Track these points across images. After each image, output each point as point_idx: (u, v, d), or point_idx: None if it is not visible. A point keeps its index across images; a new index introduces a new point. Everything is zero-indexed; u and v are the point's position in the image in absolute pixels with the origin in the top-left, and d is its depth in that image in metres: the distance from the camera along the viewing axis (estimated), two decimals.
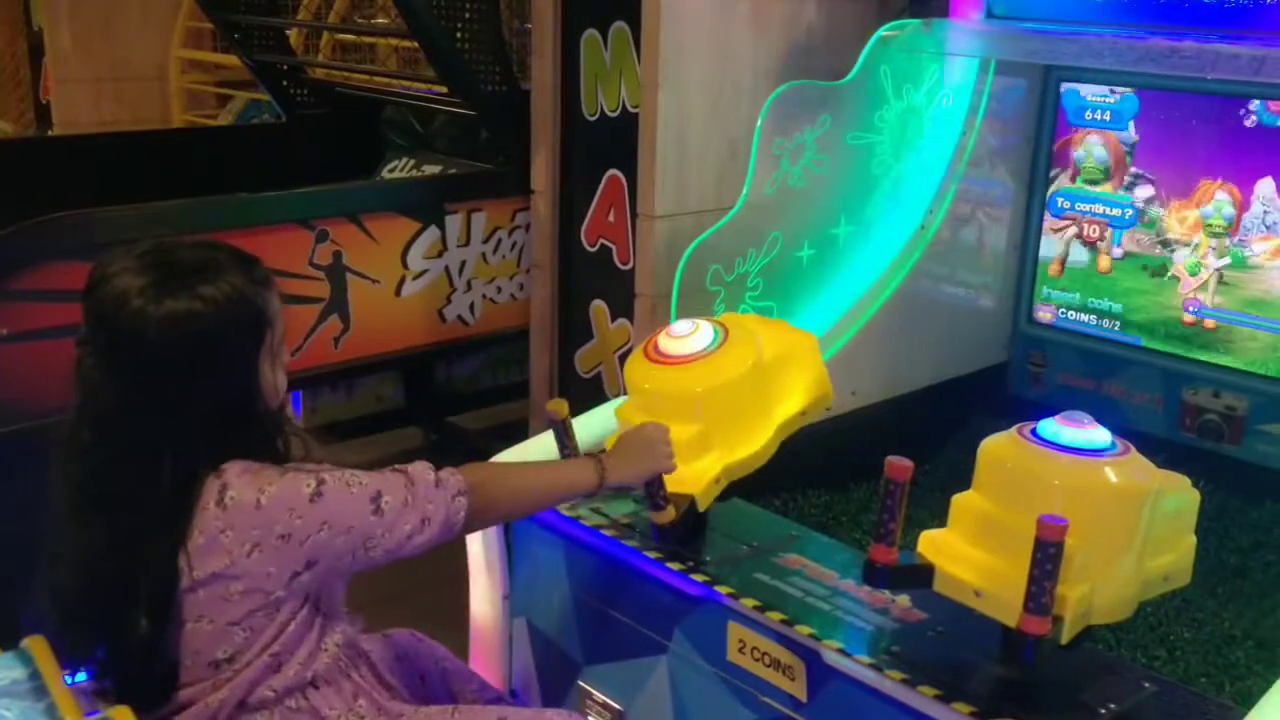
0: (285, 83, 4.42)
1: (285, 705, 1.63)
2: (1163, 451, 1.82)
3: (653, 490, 1.99)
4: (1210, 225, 2.78)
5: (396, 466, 1.66)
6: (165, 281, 1.50)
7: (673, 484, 2.01)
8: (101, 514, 1.53)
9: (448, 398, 4.29)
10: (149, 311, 1.48)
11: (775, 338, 2.22)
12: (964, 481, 1.82)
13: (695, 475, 2.05)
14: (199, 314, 1.51)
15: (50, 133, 6.24)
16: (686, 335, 2.13)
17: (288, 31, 4.60)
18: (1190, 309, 2.85)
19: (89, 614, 1.59)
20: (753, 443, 2.13)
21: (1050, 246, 3.09)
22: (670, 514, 2.01)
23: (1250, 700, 1.67)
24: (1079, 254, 3.03)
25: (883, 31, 2.72)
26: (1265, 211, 2.68)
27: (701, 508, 2.07)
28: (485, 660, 2.35)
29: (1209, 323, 2.83)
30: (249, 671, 1.59)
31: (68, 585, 1.58)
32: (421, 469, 1.66)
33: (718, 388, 2.07)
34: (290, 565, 1.55)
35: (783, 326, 2.32)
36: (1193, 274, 2.83)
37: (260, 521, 1.52)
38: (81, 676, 1.68)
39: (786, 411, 2.17)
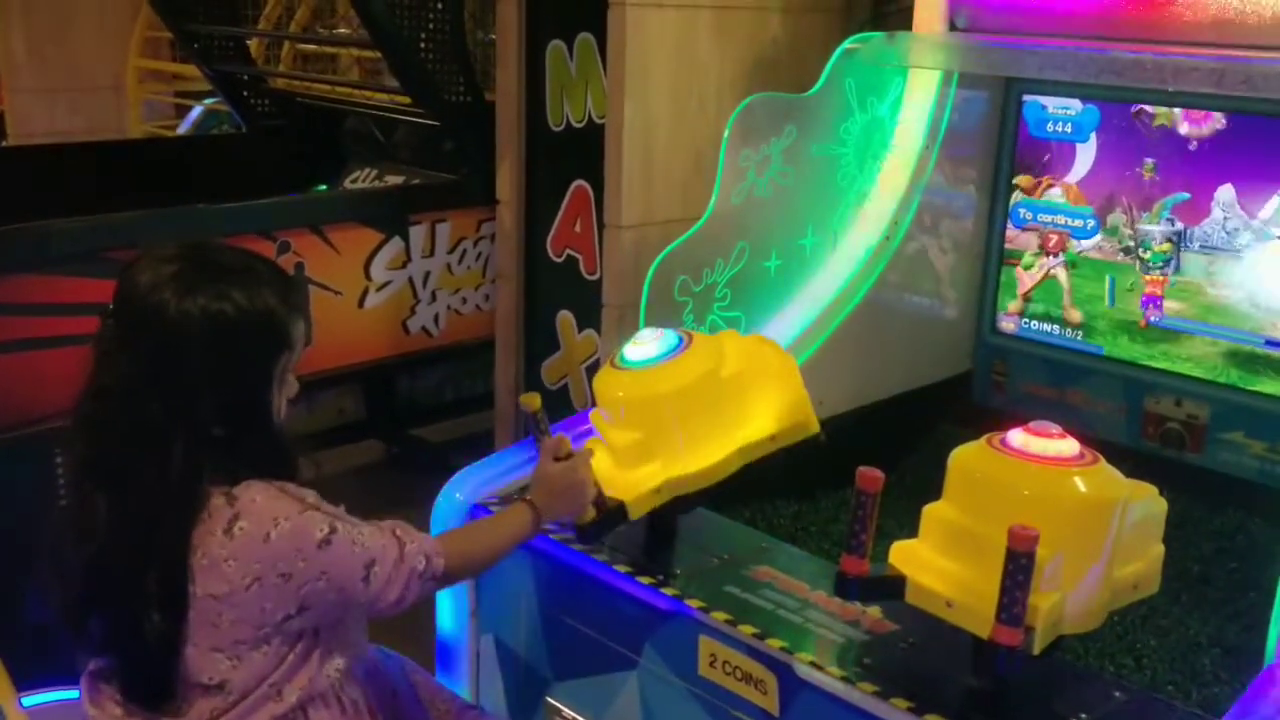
0: (246, 93, 4.38)
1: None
2: (1126, 460, 1.83)
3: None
4: (1166, 237, 2.81)
5: (397, 531, 1.68)
6: (200, 277, 1.53)
7: (609, 486, 1.98)
8: (109, 495, 1.54)
9: (410, 410, 4.25)
10: (174, 301, 1.51)
11: (743, 354, 2.16)
12: (930, 491, 1.82)
13: (632, 482, 2.02)
14: (224, 314, 1.52)
15: (3, 144, 6.14)
16: (647, 342, 2.10)
17: (248, 41, 4.56)
18: (1151, 318, 2.88)
19: (97, 600, 1.58)
20: (703, 458, 2.08)
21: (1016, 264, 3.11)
22: (590, 514, 1.98)
23: (1218, 707, 1.69)
24: (1041, 263, 3.06)
25: (847, 44, 2.73)
26: (1225, 218, 2.71)
27: (633, 516, 2.02)
28: (452, 678, 2.33)
29: (1169, 331, 2.85)
30: (248, 701, 1.58)
31: (74, 570, 1.58)
32: (414, 553, 1.67)
33: (663, 395, 2.03)
34: (285, 607, 1.56)
35: (760, 344, 2.24)
36: (1155, 258, 2.85)
37: (265, 556, 1.53)
38: (48, 697, 1.67)
39: (751, 434, 2.11)
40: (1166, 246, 2.82)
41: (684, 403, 2.05)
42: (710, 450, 2.09)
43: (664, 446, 2.05)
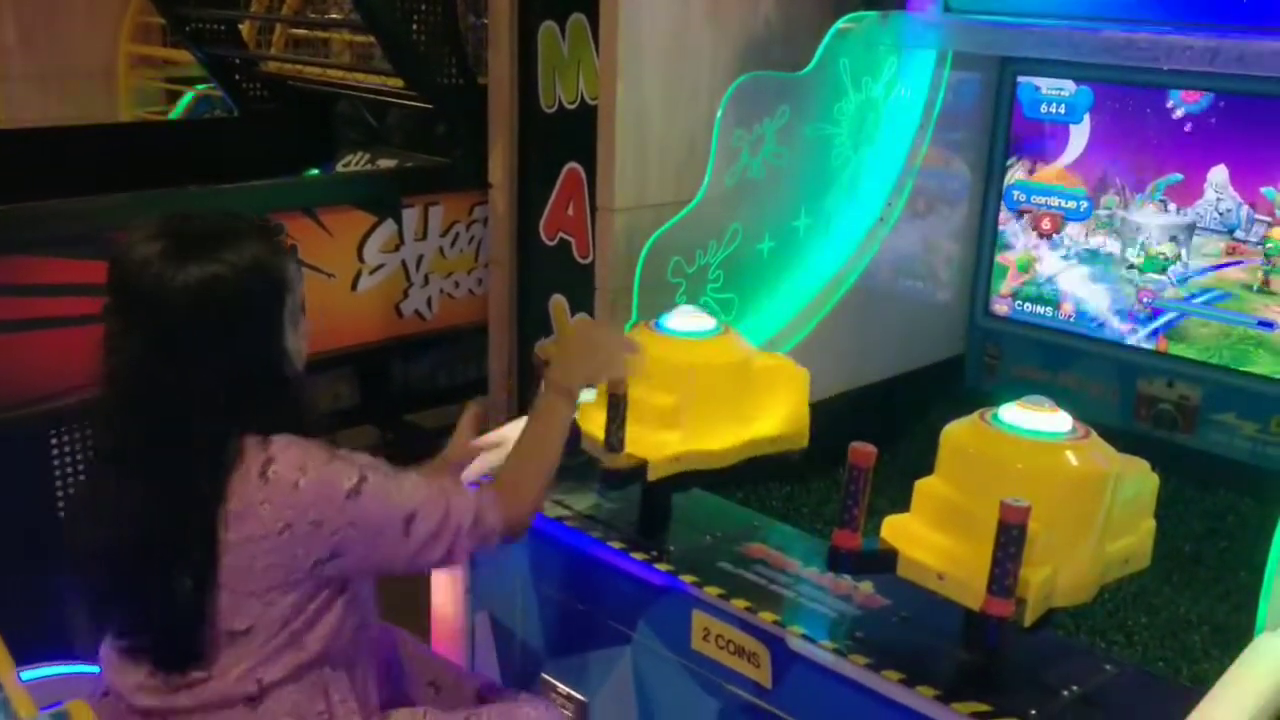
0: (238, 77, 4.36)
1: (303, 681, 1.63)
2: (1118, 441, 1.84)
3: (612, 428, 1.96)
4: (1168, 235, 2.82)
5: (446, 487, 1.69)
6: (187, 247, 1.53)
7: (634, 446, 2.00)
8: (138, 477, 1.54)
9: (404, 395, 4.25)
10: (171, 275, 1.51)
11: (771, 356, 2.25)
12: (922, 473, 1.83)
13: (656, 443, 2.04)
14: (221, 276, 1.53)
15: None
16: (688, 316, 2.17)
17: (240, 24, 4.54)
18: (1143, 299, 2.89)
19: (126, 576, 1.58)
20: (719, 440, 2.12)
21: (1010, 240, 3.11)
22: (622, 460, 1.99)
23: (1208, 683, 1.70)
24: (1034, 245, 3.06)
25: (841, 24, 2.73)
26: (1218, 198, 2.72)
27: (650, 476, 2.04)
28: (447, 655, 2.33)
29: (1162, 312, 2.86)
30: (268, 648, 1.59)
31: (101, 550, 1.58)
32: (461, 506, 1.67)
33: (702, 366, 2.09)
34: (316, 552, 1.57)
35: (781, 357, 2.31)
36: (1147, 265, 2.86)
37: (295, 503, 1.54)
38: (46, 671, 1.67)
39: (762, 430, 2.17)
40: (1168, 249, 2.81)
41: (717, 379, 2.10)
42: (724, 435, 2.13)
43: (689, 417, 2.08)
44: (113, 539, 1.57)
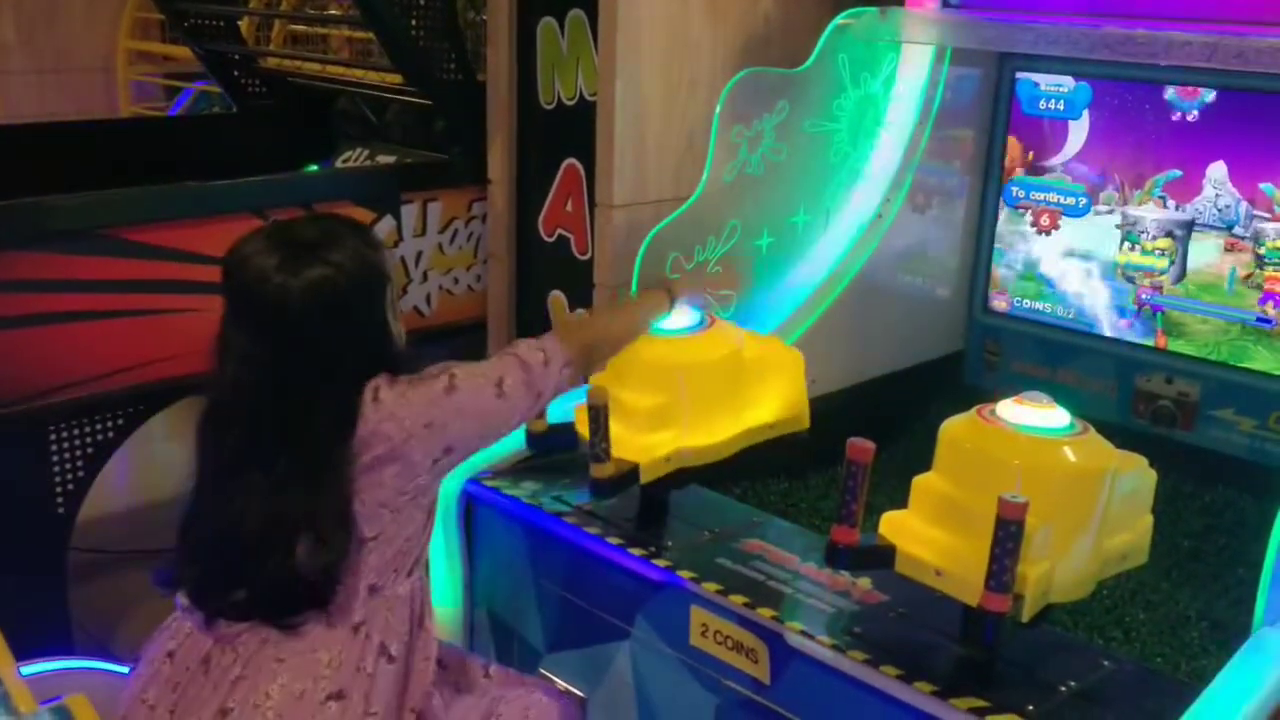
0: (236, 73, 4.35)
1: (410, 580, 1.83)
2: (1117, 438, 1.84)
3: (595, 439, 1.99)
4: (1165, 230, 2.81)
5: (508, 350, 1.87)
6: (298, 255, 1.70)
7: (624, 449, 2.01)
8: (272, 469, 1.69)
9: None
10: (291, 284, 1.68)
11: (761, 344, 2.24)
12: (922, 469, 1.83)
13: (646, 446, 2.05)
14: (332, 279, 1.70)
15: None
16: (675, 311, 2.16)
17: (239, 20, 4.53)
18: (1142, 295, 2.89)
19: (267, 546, 1.69)
20: (712, 435, 2.12)
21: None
22: (609, 469, 2.00)
23: (1206, 678, 1.70)
24: (1033, 241, 3.06)
25: (839, 20, 2.73)
26: (1217, 195, 2.72)
27: (643, 480, 2.05)
28: None
29: (1161, 309, 2.86)
30: (388, 559, 1.78)
31: (237, 532, 1.70)
32: (530, 350, 1.86)
33: (688, 365, 2.08)
34: (432, 451, 1.75)
35: (772, 339, 2.33)
36: (1145, 261, 2.86)
37: (410, 413, 1.72)
38: (46, 666, 1.71)
39: (756, 418, 2.18)
40: (1165, 244, 2.81)
41: (705, 377, 2.11)
42: (717, 429, 2.13)
43: (678, 416, 2.09)
44: (254, 525, 1.69)
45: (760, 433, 2.17)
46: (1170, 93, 2.75)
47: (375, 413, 1.71)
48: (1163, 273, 2.84)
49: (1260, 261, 2.68)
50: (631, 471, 2.03)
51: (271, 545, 1.69)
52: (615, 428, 2.01)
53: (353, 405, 1.71)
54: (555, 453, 2.25)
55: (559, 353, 1.87)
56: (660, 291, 2.14)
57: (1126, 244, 2.88)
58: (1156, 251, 2.83)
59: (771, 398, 2.19)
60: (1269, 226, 2.66)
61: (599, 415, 1.98)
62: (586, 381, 2.00)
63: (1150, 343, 2.89)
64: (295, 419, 1.70)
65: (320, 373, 1.70)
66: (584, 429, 2.09)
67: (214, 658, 1.74)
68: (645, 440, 2.04)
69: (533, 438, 2.20)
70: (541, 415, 2.18)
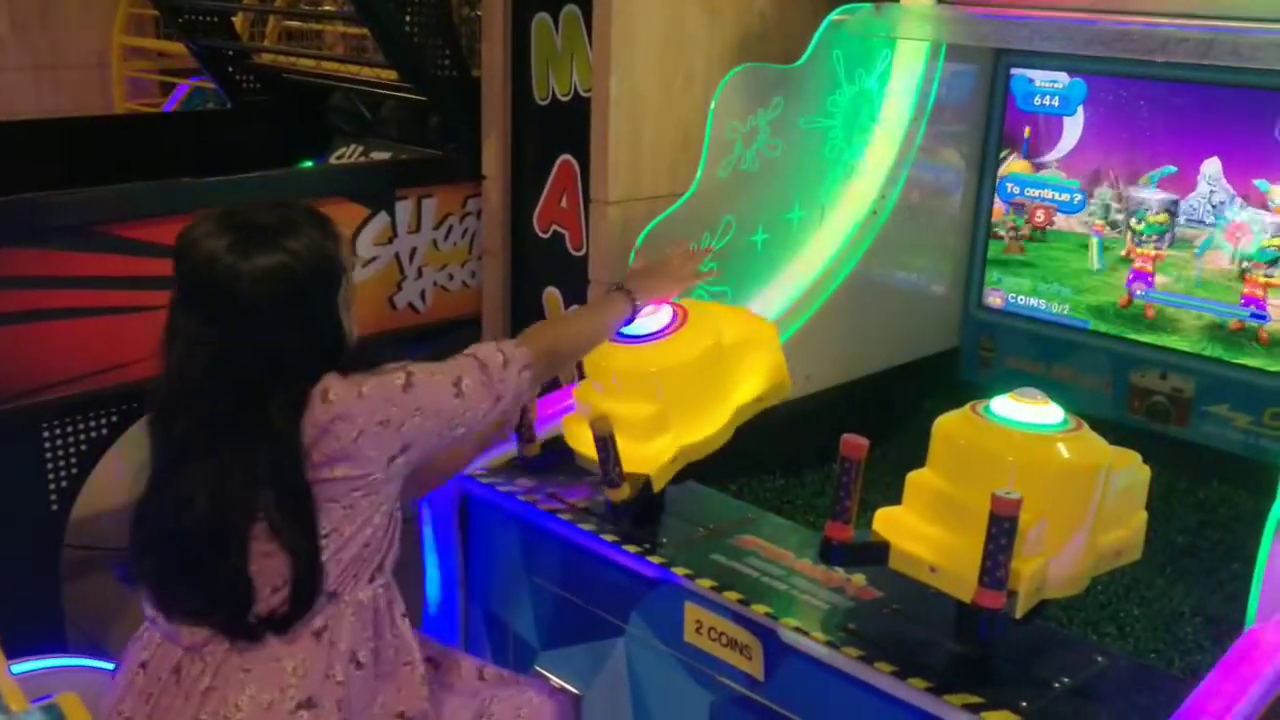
0: (231, 69, 4.34)
1: (372, 587, 1.79)
2: (1111, 433, 1.84)
3: (607, 467, 1.98)
4: (1163, 207, 2.81)
5: (466, 351, 1.83)
6: (251, 239, 1.64)
7: (629, 463, 2.01)
8: (217, 459, 1.65)
9: None
10: (241, 267, 1.62)
11: (735, 323, 2.23)
12: (917, 465, 1.83)
13: (652, 455, 2.05)
14: (287, 265, 1.65)
15: None
16: (645, 316, 2.13)
17: (233, 17, 4.52)
18: (1137, 292, 2.89)
19: (217, 545, 1.66)
20: (709, 425, 2.13)
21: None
22: (625, 491, 2.01)
23: (1200, 674, 1.70)
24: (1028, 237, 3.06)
25: (834, 15, 2.73)
26: (1211, 191, 2.72)
27: (657, 487, 2.06)
28: None
29: (1155, 306, 2.86)
30: (341, 561, 1.72)
31: (175, 539, 1.68)
32: (489, 351, 1.83)
33: (675, 367, 2.07)
34: (388, 449, 1.71)
35: (743, 313, 2.33)
36: (1148, 229, 2.86)
37: (363, 409, 1.68)
38: (38, 664, 1.70)
39: (743, 396, 2.17)
40: (1163, 218, 2.81)
41: (693, 374, 2.10)
42: (712, 418, 2.13)
43: (675, 418, 2.08)
44: (187, 524, 1.65)
45: (750, 409, 2.18)
46: (1166, 88, 2.75)
47: (325, 412, 1.66)
48: (1160, 269, 2.83)
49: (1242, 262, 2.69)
50: (645, 484, 2.04)
51: (222, 537, 1.65)
52: (619, 442, 2.01)
53: (301, 397, 1.66)
54: (554, 470, 2.22)
55: (518, 355, 1.84)
56: (621, 296, 2.08)
57: (1125, 238, 2.88)
58: (1161, 247, 2.82)
59: (754, 372, 2.20)
60: (1252, 223, 2.66)
61: (607, 443, 1.97)
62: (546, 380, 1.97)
63: (1144, 338, 2.89)
64: (243, 408, 1.65)
65: (269, 362, 1.66)
66: (574, 441, 2.11)
67: (184, 667, 1.71)
68: (648, 449, 2.04)
69: (528, 461, 2.20)
70: (533, 439, 2.17)
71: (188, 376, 1.67)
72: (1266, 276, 2.67)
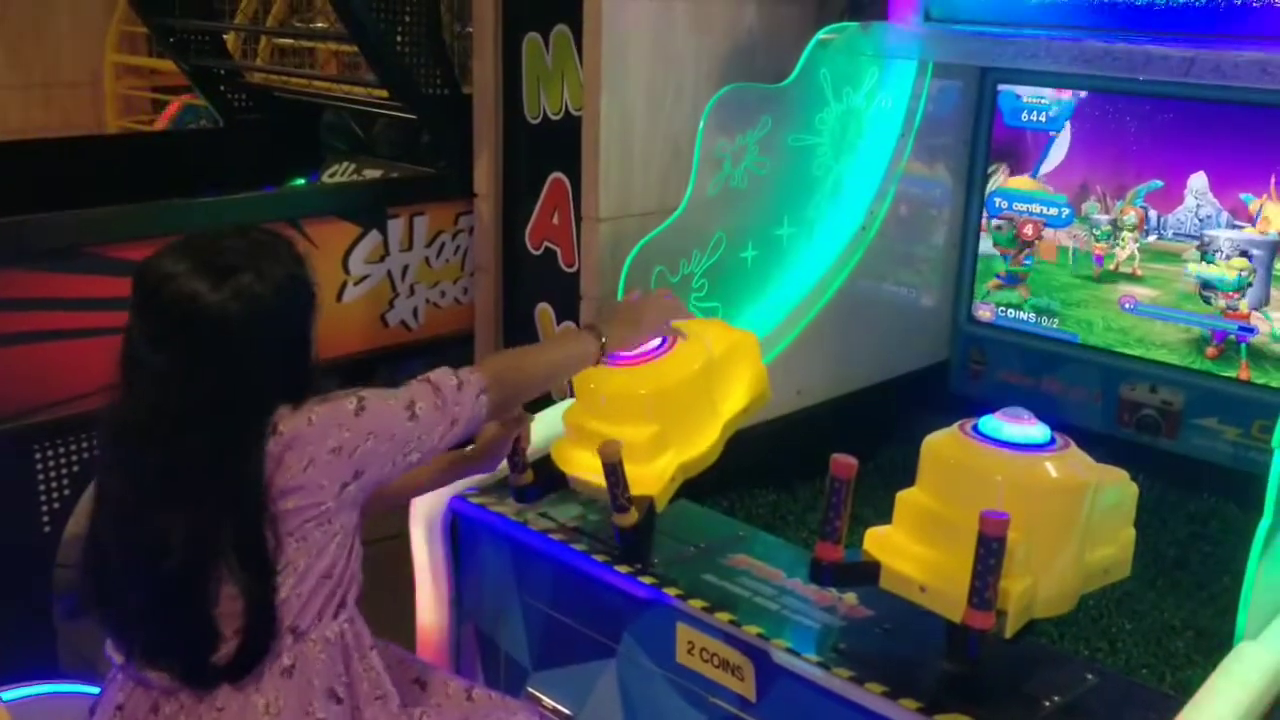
0: (222, 88, 4.35)
1: (338, 623, 1.73)
2: (1102, 446, 1.85)
3: (616, 493, 1.98)
4: (1138, 223, 2.83)
5: (420, 376, 1.77)
6: (217, 265, 1.59)
7: (632, 485, 2.01)
8: (183, 499, 1.59)
9: None
10: (206, 295, 1.57)
11: (719, 337, 2.23)
12: (907, 479, 1.83)
13: (654, 475, 2.05)
14: (255, 291, 1.59)
15: None
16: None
17: (225, 35, 4.53)
18: (1125, 305, 2.90)
19: (165, 595, 1.61)
20: (704, 441, 2.14)
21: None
22: (633, 516, 2.01)
23: (1190, 689, 1.70)
24: (1017, 252, 3.08)
25: (822, 34, 2.74)
26: (1198, 205, 2.73)
27: (659, 507, 2.06)
28: None
29: (1144, 318, 2.87)
30: (305, 595, 1.67)
31: (132, 573, 1.62)
32: (443, 375, 1.77)
33: (670, 388, 2.08)
34: (340, 476, 1.65)
35: (722, 326, 2.34)
36: (1128, 269, 2.88)
37: (314, 437, 1.62)
38: (29, 690, 1.68)
39: (731, 409, 2.19)
40: (1140, 236, 2.82)
41: (687, 392, 2.11)
42: (706, 433, 2.14)
43: (673, 437, 2.09)
44: (156, 566, 1.59)
45: (737, 420, 2.19)
46: (1152, 104, 2.77)
47: (275, 444, 1.60)
48: (1147, 282, 2.84)
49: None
50: (649, 507, 2.04)
51: (192, 579, 1.60)
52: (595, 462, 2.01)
53: (265, 428, 1.60)
54: (547, 496, 2.20)
55: (473, 379, 1.78)
56: (590, 336, 1.99)
57: (1109, 253, 2.89)
58: (1137, 260, 2.84)
59: (739, 383, 2.22)
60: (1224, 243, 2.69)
61: (616, 469, 1.97)
62: (504, 413, 1.93)
63: (1134, 351, 2.90)
64: (213, 440, 1.59)
65: (236, 391, 1.60)
66: (566, 465, 2.10)
67: (161, 707, 1.67)
68: (649, 470, 2.05)
69: (519, 491, 2.15)
70: (525, 468, 2.15)
71: (147, 408, 1.60)
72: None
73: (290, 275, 1.65)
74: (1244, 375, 2.74)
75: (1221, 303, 2.75)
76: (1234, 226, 2.70)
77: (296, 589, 1.66)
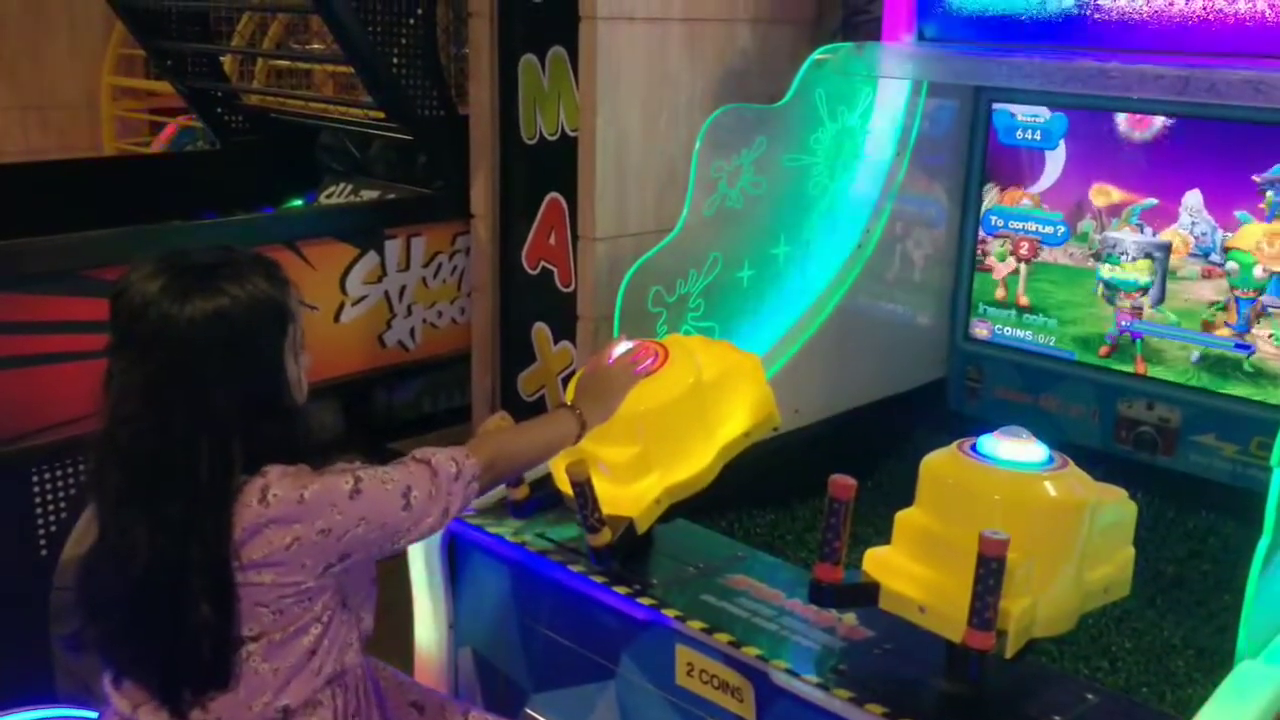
0: (219, 110, 4.37)
1: (326, 697, 1.71)
2: (1099, 464, 1.85)
3: (585, 513, 1.98)
4: (1143, 251, 2.84)
5: (418, 456, 1.74)
6: (190, 282, 1.57)
7: (611, 506, 2.01)
8: (148, 515, 1.57)
9: (388, 424, 4.24)
10: (177, 311, 1.55)
11: (717, 358, 2.23)
12: (906, 497, 1.83)
13: (635, 497, 2.05)
14: (226, 310, 1.58)
15: None
16: (623, 353, 2.13)
17: (222, 58, 4.55)
18: (1122, 322, 2.91)
19: (144, 619, 1.60)
20: (694, 464, 2.13)
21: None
22: (606, 536, 2.00)
23: (1191, 708, 1.70)
24: (1012, 270, 3.08)
25: (816, 55, 2.75)
26: (1193, 223, 2.74)
27: (640, 529, 2.06)
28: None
29: (1140, 335, 2.88)
30: (286, 672, 1.64)
31: (115, 597, 1.60)
32: (444, 461, 1.74)
33: (657, 408, 2.07)
34: (325, 559, 1.62)
35: (726, 347, 2.33)
36: (1124, 288, 2.88)
37: (303, 515, 1.58)
38: (28, 716, 1.66)
39: (730, 433, 2.17)
40: (1144, 265, 2.83)
41: (673, 414, 2.09)
42: (698, 455, 2.13)
43: (658, 458, 2.08)
44: (124, 583, 1.59)
45: (738, 444, 2.17)
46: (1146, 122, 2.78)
47: (260, 515, 1.57)
48: (1144, 288, 2.84)
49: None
50: (628, 527, 2.04)
51: (161, 589, 1.57)
52: (601, 485, 2.01)
53: (234, 472, 1.57)
54: (543, 512, 2.22)
55: (469, 466, 1.76)
56: (570, 415, 1.98)
57: (1106, 264, 2.90)
58: (1134, 275, 2.85)
59: (740, 406, 2.19)
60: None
61: (584, 489, 1.97)
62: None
63: (1131, 369, 2.91)
64: (170, 454, 1.56)
65: (201, 411, 1.57)
66: (565, 486, 2.10)
67: None
68: (632, 491, 2.04)
69: (516, 506, 2.18)
70: (522, 481, 2.15)
71: (121, 426, 1.58)
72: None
73: (262, 294, 1.62)
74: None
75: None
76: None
77: (275, 665, 1.64)
